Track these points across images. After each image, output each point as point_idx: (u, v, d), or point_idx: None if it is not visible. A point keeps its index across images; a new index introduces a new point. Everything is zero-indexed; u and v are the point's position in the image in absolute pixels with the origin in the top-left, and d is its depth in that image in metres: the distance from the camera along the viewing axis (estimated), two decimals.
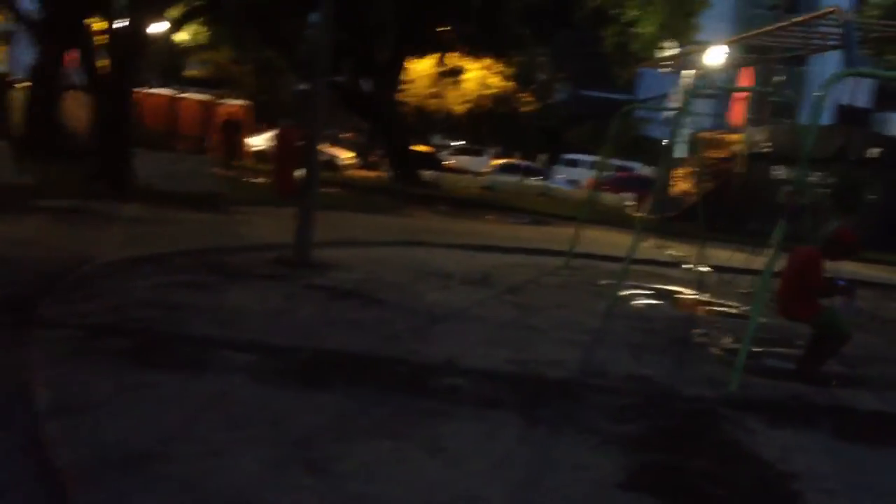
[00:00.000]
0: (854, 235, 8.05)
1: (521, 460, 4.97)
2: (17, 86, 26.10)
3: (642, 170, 35.48)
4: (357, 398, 5.72)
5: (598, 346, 8.28)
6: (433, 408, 5.67)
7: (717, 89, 13.39)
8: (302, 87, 37.87)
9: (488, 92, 36.89)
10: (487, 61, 34.21)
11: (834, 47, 9.31)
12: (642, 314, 10.19)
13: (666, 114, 31.56)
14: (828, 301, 7.80)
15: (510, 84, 37.47)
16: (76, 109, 23.21)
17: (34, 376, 5.45)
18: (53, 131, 22.04)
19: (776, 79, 24.14)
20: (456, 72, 34.12)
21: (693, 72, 14.76)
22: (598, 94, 50.05)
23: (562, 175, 37.09)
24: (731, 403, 6.56)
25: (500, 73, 35.84)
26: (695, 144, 18.66)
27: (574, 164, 39.08)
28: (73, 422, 4.77)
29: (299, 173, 13.34)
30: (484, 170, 35.51)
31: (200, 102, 31.18)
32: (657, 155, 38.93)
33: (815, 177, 20.44)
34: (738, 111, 23.89)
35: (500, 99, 39.70)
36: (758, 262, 12.05)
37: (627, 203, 27.74)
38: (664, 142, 38.28)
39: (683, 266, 13.66)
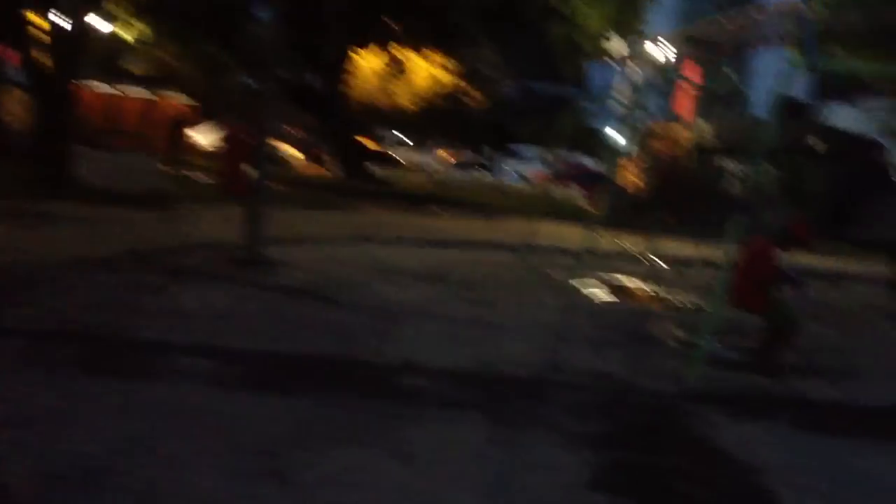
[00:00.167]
0: (808, 229, 8.11)
1: (489, 463, 4.86)
2: None
3: (591, 163, 35.67)
4: (318, 403, 5.55)
5: (556, 341, 8.18)
6: (397, 411, 5.53)
7: (666, 82, 13.45)
8: (247, 82, 37.34)
9: (436, 86, 36.74)
10: (436, 57, 34.06)
11: (790, 39, 9.35)
12: (599, 308, 10.17)
13: (614, 107, 31.72)
14: (779, 292, 7.86)
15: (459, 79, 37.37)
16: (16, 108, 22.53)
17: None
18: None
19: (726, 70, 24.34)
20: (404, 67, 33.90)
21: (642, 65, 14.80)
22: (547, 89, 50.25)
23: (511, 169, 37.16)
24: (692, 397, 6.53)
25: (449, 68, 35.71)
26: (643, 137, 18.72)
27: (523, 158, 39.19)
28: (18, 435, 4.53)
29: (249, 171, 13.08)
30: (433, 164, 35.39)
31: (144, 100, 30.57)
32: (605, 148, 39.23)
33: (761, 169, 20.64)
34: (684, 104, 24.06)
35: (449, 94, 39.59)
36: (710, 253, 12.12)
37: (577, 196, 27.84)
38: (611, 134, 38.60)
39: (638, 259, 13.67)
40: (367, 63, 35.22)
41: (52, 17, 17.08)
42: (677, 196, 22.80)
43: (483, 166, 35.30)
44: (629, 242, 14.10)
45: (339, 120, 29.45)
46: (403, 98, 37.52)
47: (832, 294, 12.96)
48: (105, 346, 6.35)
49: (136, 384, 5.55)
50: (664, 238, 13.08)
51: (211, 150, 29.23)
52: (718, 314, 7.19)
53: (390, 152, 37.49)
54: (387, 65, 32.65)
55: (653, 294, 11.43)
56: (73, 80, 17.26)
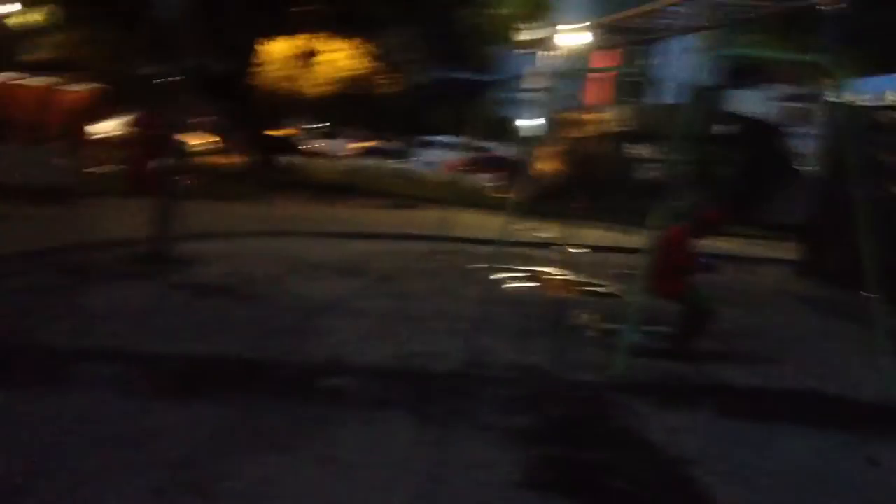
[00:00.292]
0: (720, 214, 8.24)
1: (418, 465, 4.75)
2: None
3: (499, 150, 35.79)
4: (238, 407, 5.36)
5: (478, 333, 8.14)
6: (321, 413, 5.38)
7: (578, 71, 13.52)
8: (151, 70, 36.27)
9: (346, 74, 36.30)
10: (345, 42, 33.62)
11: (704, 28, 9.46)
12: (518, 298, 10.15)
13: (525, 94, 31.93)
14: (692, 278, 7.97)
15: (368, 65, 37.02)
16: None
17: None
18: None
19: (639, 61, 24.74)
20: (313, 53, 33.32)
21: (554, 53, 14.86)
22: (460, 77, 50.23)
23: (421, 157, 37.00)
24: (615, 387, 6.56)
25: (358, 54, 35.32)
26: (555, 124, 18.85)
27: (432, 145, 39.04)
28: None
29: (156, 163, 12.65)
30: (343, 153, 35.00)
31: (41, 88, 29.27)
32: (514, 135, 39.47)
33: (672, 154, 21.05)
34: (595, 91, 24.38)
35: (359, 81, 39.19)
36: (626, 240, 12.25)
37: (487, 184, 27.88)
38: (524, 122, 38.85)
39: (554, 247, 13.73)
40: (278, 50, 34.56)
41: None
42: (589, 183, 23.08)
43: (395, 154, 35.04)
44: (545, 230, 14.16)
45: (249, 108, 28.82)
46: (314, 85, 36.97)
47: (743, 278, 13.25)
48: (9, 354, 6.01)
49: (44, 394, 5.26)
50: (579, 225, 13.14)
51: (115, 140, 28.24)
52: (639, 302, 7.22)
53: (300, 140, 36.91)
54: (298, 52, 32.03)
55: (571, 282, 11.47)
56: None
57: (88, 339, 6.52)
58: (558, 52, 14.52)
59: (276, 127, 34.57)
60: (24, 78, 30.38)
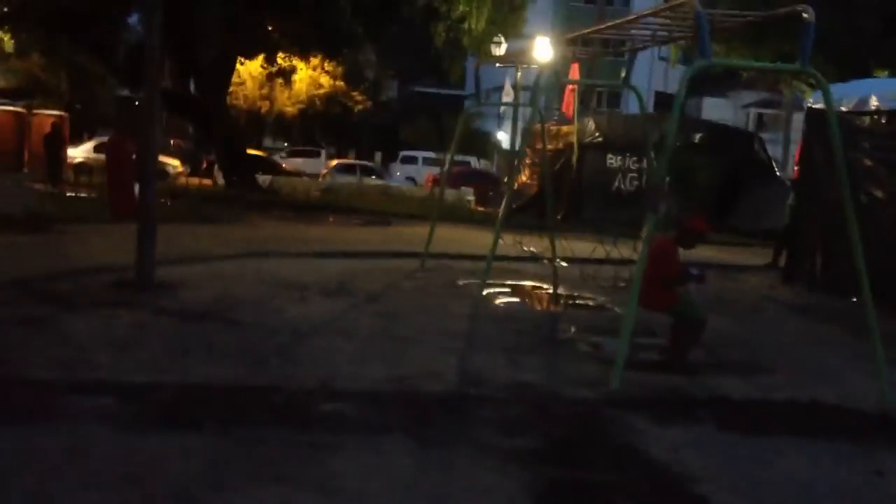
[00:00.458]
0: (706, 223, 8.21)
1: (422, 491, 4.64)
2: None
3: (480, 165, 35.83)
4: (232, 437, 5.22)
5: (471, 352, 8.05)
6: (317, 440, 5.25)
7: (552, 83, 13.48)
8: (122, 93, 36.03)
9: (319, 92, 36.26)
10: (317, 60, 33.58)
11: (681, 38, 9.49)
12: (508, 314, 10.07)
13: (503, 108, 31.94)
14: (682, 289, 7.92)
15: (341, 83, 37.00)
16: None
17: None
18: None
19: (616, 73, 24.82)
20: (286, 72, 33.23)
21: (531, 66, 14.86)
22: (430, 90, 50.32)
23: (399, 173, 36.94)
24: (613, 403, 6.47)
25: (331, 71, 35.30)
26: (531, 137, 18.83)
27: (411, 161, 39.01)
28: None
29: (133, 186, 12.47)
30: (321, 172, 34.83)
31: (11, 114, 28.95)
32: (495, 149, 39.50)
33: (644, 164, 21.12)
34: (571, 103, 24.38)
35: (332, 98, 39.14)
36: (613, 252, 12.21)
37: (468, 198, 27.84)
38: (500, 136, 38.90)
39: (538, 260, 13.68)
40: (253, 70, 34.46)
41: None
42: (570, 194, 23.10)
43: (371, 170, 34.90)
44: (531, 243, 14.12)
45: (222, 128, 28.61)
46: (290, 104, 36.90)
47: (726, 286, 13.24)
48: None
49: (31, 430, 5.10)
50: (564, 237, 13.10)
51: (88, 164, 27.99)
52: (632, 315, 7.15)
53: (275, 159, 36.72)
54: (273, 71, 31.92)
55: (558, 295, 11.41)
56: None
57: (75, 370, 6.34)
58: (535, 65, 14.52)
59: (252, 146, 34.40)
60: None
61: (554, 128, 24.82)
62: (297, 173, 33.73)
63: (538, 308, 10.95)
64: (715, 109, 43.16)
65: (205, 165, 33.14)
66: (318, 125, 43.13)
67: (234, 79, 32.44)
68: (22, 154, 27.39)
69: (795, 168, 17.11)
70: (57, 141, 25.65)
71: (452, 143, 15.18)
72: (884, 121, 11.71)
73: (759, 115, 47.58)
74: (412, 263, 13.22)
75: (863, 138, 11.75)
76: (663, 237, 7.80)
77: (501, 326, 9.17)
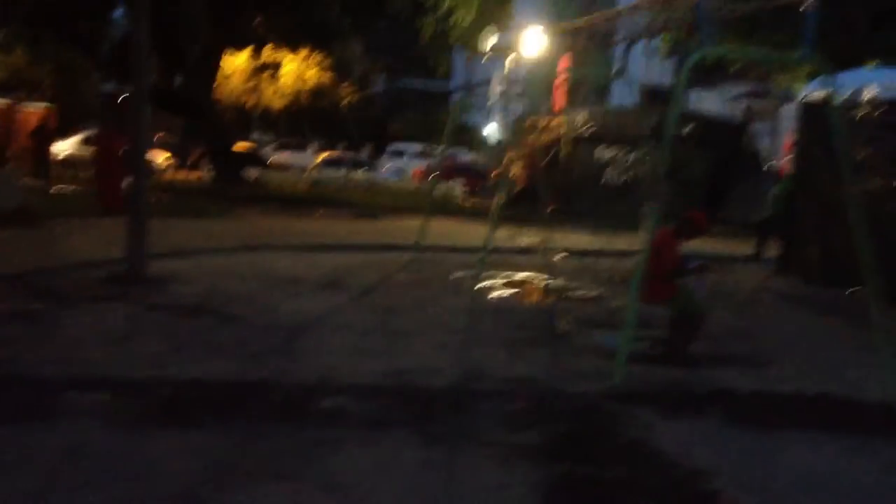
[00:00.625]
0: (705, 216, 8.13)
1: (427, 489, 4.55)
2: None
3: (470, 158, 35.68)
4: (232, 434, 5.11)
5: (469, 345, 7.95)
6: (319, 436, 5.15)
7: (542, 75, 13.38)
8: (108, 87, 35.70)
9: (309, 85, 36.02)
10: (304, 53, 33.36)
11: (679, 29, 9.43)
12: (505, 307, 9.96)
13: (491, 101, 31.82)
14: (684, 281, 7.85)
15: (328, 76, 36.75)
16: None
17: None
18: None
19: (607, 64, 24.73)
20: (273, 65, 33.01)
21: (520, 58, 14.75)
22: (418, 83, 50.13)
23: (388, 166, 36.75)
24: (617, 397, 6.39)
25: (318, 65, 35.06)
26: (522, 130, 18.72)
27: (399, 154, 38.84)
28: None
29: (123, 180, 12.30)
30: (309, 165, 34.63)
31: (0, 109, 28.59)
32: (485, 142, 39.38)
33: (635, 156, 21.09)
34: (561, 96, 24.27)
35: (319, 92, 38.87)
36: (609, 244, 12.15)
37: (457, 191, 27.72)
38: (490, 128, 38.78)
39: (535, 253, 13.57)
40: (240, 64, 34.20)
41: None
42: (561, 187, 22.99)
43: (360, 164, 34.70)
44: (525, 236, 14.01)
45: (210, 122, 28.39)
46: (277, 98, 36.65)
47: (721, 278, 13.16)
48: None
49: (28, 428, 4.98)
50: (558, 230, 13.00)
51: (75, 158, 27.71)
52: (634, 308, 7.07)
53: (262, 153, 36.48)
54: (259, 65, 31.72)
55: (557, 288, 11.31)
56: None
57: (72, 366, 6.21)
58: (524, 58, 14.42)
59: (239, 140, 34.15)
60: None
61: (543, 121, 24.72)
62: (286, 167, 33.56)
63: (535, 301, 10.85)
64: (703, 100, 43.09)
65: (192, 160, 32.92)
66: (305, 118, 42.86)
67: (222, 73, 32.19)
68: (8, 148, 27.05)
69: (784, 159, 17.06)
70: (44, 135, 25.37)
71: (444, 135, 15.07)
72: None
73: (748, 107, 47.55)
74: (405, 257, 13.11)
75: (863, 129, 11.65)
76: (664, 229, 7.72)
77: (499, 320, 9.08)
